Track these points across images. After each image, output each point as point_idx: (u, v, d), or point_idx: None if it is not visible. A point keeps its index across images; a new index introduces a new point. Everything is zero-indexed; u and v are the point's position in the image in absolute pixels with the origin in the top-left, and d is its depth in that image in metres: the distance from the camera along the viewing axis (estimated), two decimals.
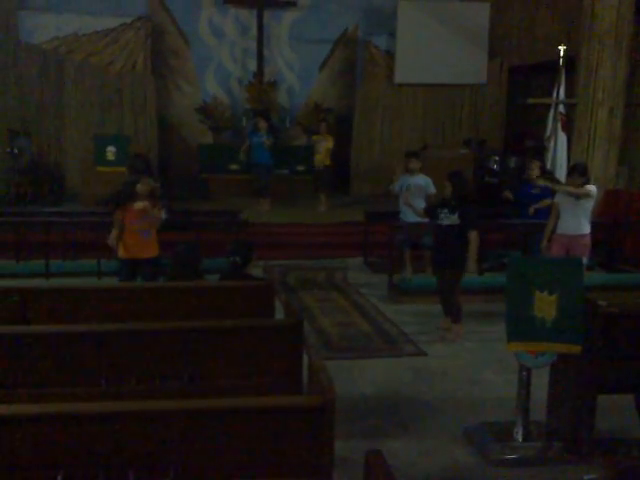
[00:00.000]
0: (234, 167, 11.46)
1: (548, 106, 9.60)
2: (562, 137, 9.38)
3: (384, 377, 4.88)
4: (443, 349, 5.51)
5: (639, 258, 8.08)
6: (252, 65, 12.59)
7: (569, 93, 9.52)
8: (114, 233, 5.69)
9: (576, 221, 6.21)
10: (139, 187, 5.66)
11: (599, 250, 8.22)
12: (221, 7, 12.53)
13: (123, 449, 2.26)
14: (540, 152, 9.64)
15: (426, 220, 7.12)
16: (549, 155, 9.45)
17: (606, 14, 8.86)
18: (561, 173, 9.28)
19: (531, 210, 7.30)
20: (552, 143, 9.40)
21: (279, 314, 4.05)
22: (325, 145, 10.24)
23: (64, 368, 3.17)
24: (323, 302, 6.92)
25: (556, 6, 11.06)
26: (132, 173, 6.60)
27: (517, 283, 3.57)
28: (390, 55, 12.50)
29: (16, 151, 10.49)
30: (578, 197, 6.11)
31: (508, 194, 7.77)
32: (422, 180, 7.51)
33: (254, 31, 12.44)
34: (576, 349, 3.52)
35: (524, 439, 3.76)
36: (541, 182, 6.74)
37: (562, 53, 9.31)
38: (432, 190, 7.48)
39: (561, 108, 9.45)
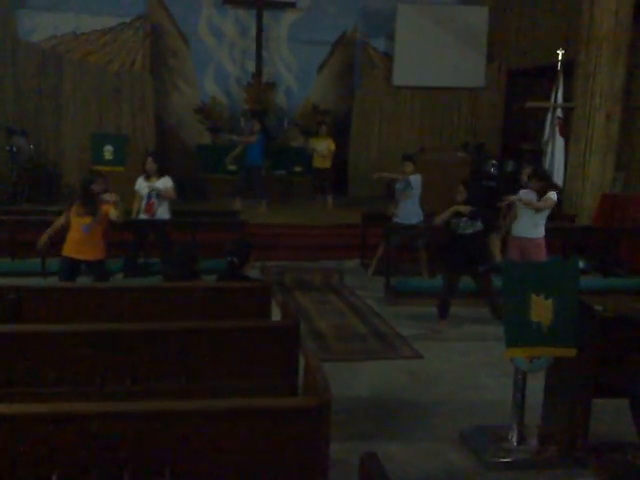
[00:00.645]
0: (232, 168, 11.46)
1: (546, 110, 9.63)
2: (560, 141, 9.43)
3: (380, 379, 4.88)
4: (439, 352, 5.51)
5: (635, 263, 8.11)
6: (251, 66, 12.59)
7: (567, 97, 9.56)
8: (46, 234, 5.79)
9: (533, 225, 6.19)
10: (94, 187, 5.76)
11: (595, 254, 8.25)
12: (220, 7, 12.53)
13: (118, 449, 2.26)
14: (537, 156, 9.67)
15: (418, 222, 7.18)
16: (547, 159, 9.48)
17: (604, 19, 8.89)
18: (558, 177, 9.32)
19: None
20: (550, 147, 9.44)
21: (276, 315, 4.04)
22: (327, 147, 10.43)
23: (60, 367, 3.16)
24: (320, 304, 6.92)
25: (554, 10, 11.09)
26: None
27: (513, 287, 3.58)
28: (388, 57, 12.51)
29: (15, 149, 10.46)
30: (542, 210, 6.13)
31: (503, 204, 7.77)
32: (415, 181, 7.62)
33: (253, 32, 12.44)
34: (571, 352, 3.54)
35: (519, 442, 3.77)
36: (510, 199, 6.63)
37: (560, 57, 9.35)
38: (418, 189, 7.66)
39: (559, 112, 9.49)
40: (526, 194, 6.21)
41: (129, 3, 11.74)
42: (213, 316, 3.74)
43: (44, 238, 5.81)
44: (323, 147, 10.51)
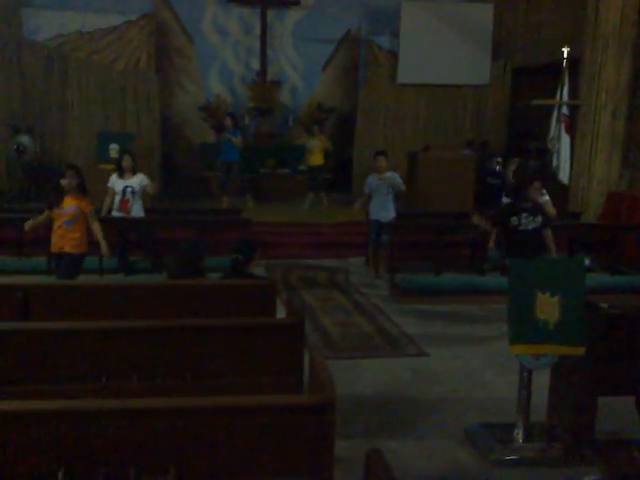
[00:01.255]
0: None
1: (551, 108, 9.59)
2: (565, 139, 9.38)
3: (385, 377, 4.88)
4: (444, 350, 5.50)
5: None
6: (255, 64, 12.59)
7: (573, 95, 9.52)
8: (31, 222, 5.91)
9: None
10: (63, 181, 5.83)
11: (601, 252, 8.22)
12: (225, 6, 12.53)
13: (124, 446, 2.27)
14: (543, 154, 9.63)
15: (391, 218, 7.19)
16: (552, 157, 9.44)
17: (610, 16, 8.86)
18: (564, 174, 9.29)
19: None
20: (555, 145, 9.40)
21: (280, 313, 4.05)
22: (319, 145, 10.56)
23: (66, 365, 3.17)
24: (324, 301, 6.92)
25: (560, 8, 11.05)
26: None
27: (519, 285, 3.57)
28: (393, 55, 12.47)
29: (22, 148, 10.49)
30: None
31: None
32: (390, 177, 7.71)
33: (258, 30, 12.44)
34: (580, 350, 3.51)
35: (525, 440, 3.76)
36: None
37: (566, 55, 9.30)
38: (402, 187, 7.77)
39: (565, 110, 9.45)
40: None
41: (134, 1, 11.75)
42: (218, 314, 3.75)
43: (29, 223, 5.93)
44: (314, 145, 10.63)
